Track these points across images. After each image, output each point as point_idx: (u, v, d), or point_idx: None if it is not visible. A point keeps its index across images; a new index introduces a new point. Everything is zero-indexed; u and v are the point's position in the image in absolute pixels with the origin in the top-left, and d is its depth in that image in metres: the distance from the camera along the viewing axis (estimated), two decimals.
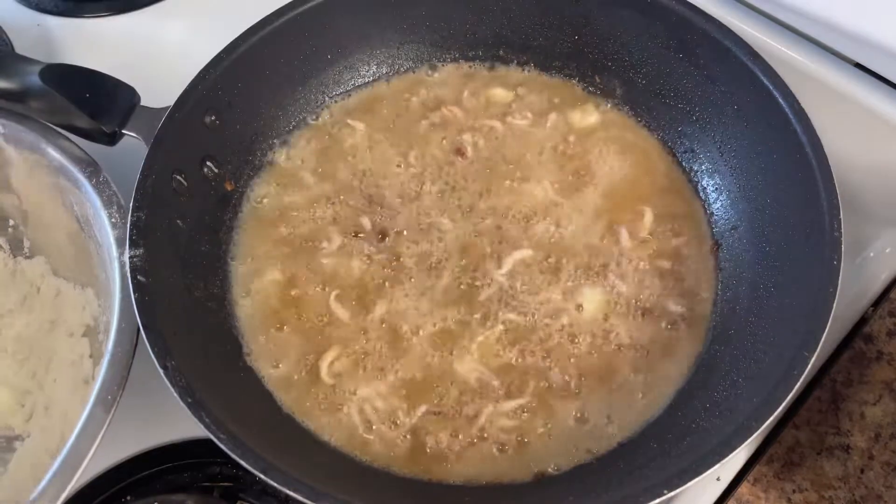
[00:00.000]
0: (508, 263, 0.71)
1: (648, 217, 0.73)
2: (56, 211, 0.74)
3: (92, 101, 0.69)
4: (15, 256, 0.81)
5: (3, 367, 0.75)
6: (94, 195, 0.68)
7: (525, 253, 0.71)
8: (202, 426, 0.54)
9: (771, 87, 0.66)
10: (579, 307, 0.69)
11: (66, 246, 0.76)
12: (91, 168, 0.70)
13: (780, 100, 0.65)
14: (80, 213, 0.71)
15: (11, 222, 0.80)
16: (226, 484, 0.68)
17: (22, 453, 0.71)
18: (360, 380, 0.66)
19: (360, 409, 0.65)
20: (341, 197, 0.76)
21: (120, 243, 0.65)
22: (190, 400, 0.55)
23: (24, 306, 0.79)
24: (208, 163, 0.74)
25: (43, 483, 0.54)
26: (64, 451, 0.55)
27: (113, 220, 0.66)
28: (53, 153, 0.71)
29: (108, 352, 0.59)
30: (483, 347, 0.67)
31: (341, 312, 0.69)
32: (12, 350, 0.77)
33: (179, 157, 0.70)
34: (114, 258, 0.64)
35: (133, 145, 0.69)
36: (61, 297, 0.77)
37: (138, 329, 0.59)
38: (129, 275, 0.61)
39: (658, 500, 0.50)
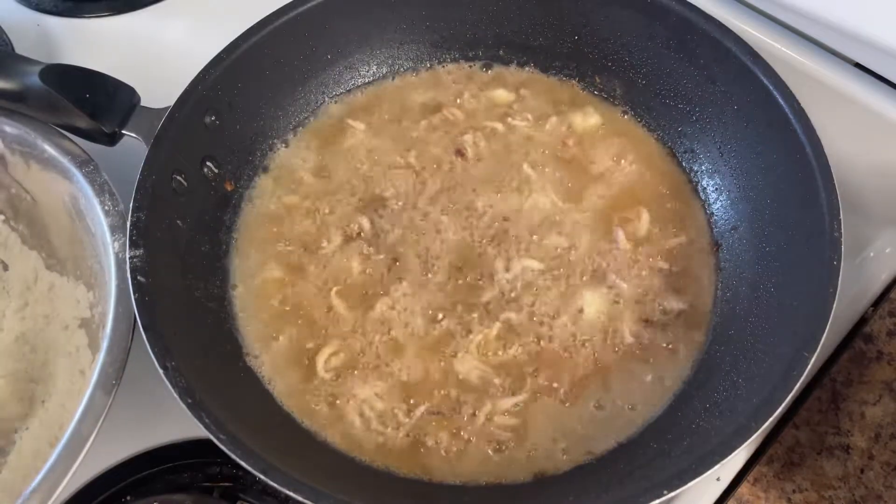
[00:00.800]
0: (516, 268, 0.70)
1: (646, 218, 0.73)
2: (48, 205, 0.74)
3: (92, 101, 0.69)
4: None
5: None
6: (86, 184, 0.68)
7: (532, 263, 0.71)
8: (202, 426, 0.54)
9: (771, 87, 0.66)
10: (579, 308, 0.69)
11: (58, 239, 0.76)
12: (81, 158, 0.70)
13: (780, 100, 0.65)
14: (73, 204, 0.71)
15: (2, 217, 0.80)
16: (226, 484, 0.68)
17: (22, 445, 0.71)
18: (358, 379, 0.66)
19: (359, 409, 0.65)
20: (341, 197, 0.76)
21: (113, 230, 0.65)
22: (190, 400, 0.55)
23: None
24: (208, 163, 0.74)
25: (46, 467, 0.54)
26: (66, 434, 0.55)
27: (105, 207, 0.67)
28: (44, 146, 0.71)
29: (106, 336, 0.60)
30: (482, 346, 0.67)
31: (342, 308, 0.69)
32: (7, 345, 0.77)
33: (179, 158, 0.70)
34: (108, 244, 0.64)
35: (133, 145, 0.69)
36: (55, 291, 0.77)
37: (135, 317, 0.59)
38: (129, 275, 0.60)
39: (658, 501, 0.50)
